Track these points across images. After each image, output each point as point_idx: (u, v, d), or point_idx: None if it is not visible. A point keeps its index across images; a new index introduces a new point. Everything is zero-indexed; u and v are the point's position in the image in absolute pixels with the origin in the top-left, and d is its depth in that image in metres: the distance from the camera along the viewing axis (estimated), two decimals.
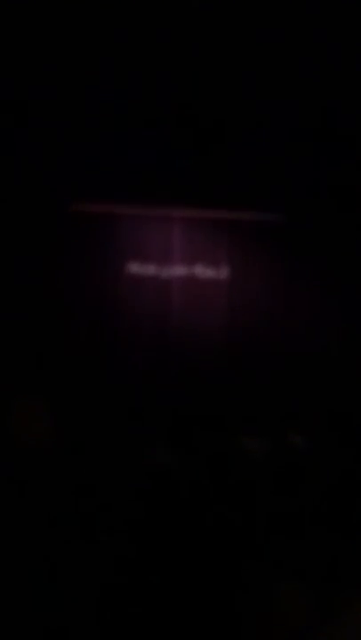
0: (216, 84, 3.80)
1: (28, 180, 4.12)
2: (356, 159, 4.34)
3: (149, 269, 4.33)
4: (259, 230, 4.41)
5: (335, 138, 4.28)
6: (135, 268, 4.32)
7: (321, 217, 4.39)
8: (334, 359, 4.34)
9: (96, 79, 3.75)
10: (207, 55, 3.47)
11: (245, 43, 3.32)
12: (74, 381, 4.08)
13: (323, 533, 1.75)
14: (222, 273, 4.40)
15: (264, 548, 1.71)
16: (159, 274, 4.34)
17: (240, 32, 3.22)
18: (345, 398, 4.19)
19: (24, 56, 3.47)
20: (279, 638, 1.24)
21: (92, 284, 4.27)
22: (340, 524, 1.81)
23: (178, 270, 4.36)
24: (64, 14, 3.05)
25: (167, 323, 4.32)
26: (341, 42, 3.27)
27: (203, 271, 4.38)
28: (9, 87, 3.80)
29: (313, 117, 4.16)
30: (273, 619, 1.29)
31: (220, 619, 1.34)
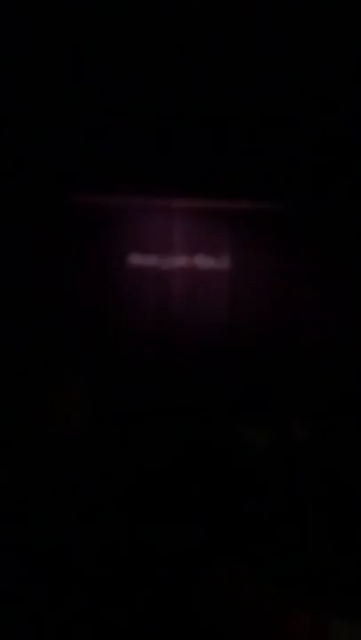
0: (215, 73, 3.76)
1: (26, 171, 4.10)
2: (358, 147, 4.30)
3: (150, 260, 4.32)
4: (260, 219, 4.39)
5: (337, 126, 4.24)
6: (136, 259, 4.31)
7: (323, 205, 4.37)
8: (337, 349, 4.34)
9: (96, 69, 3.72)
10: (207, 44, 3.43)
11: (245, 31, 3.27)
12: (73, 373, 4.09)
13: (323, 522, 1.76)
14: (223, 263, 4.38)
15: (266, 535, 1.71)
16: (160, 264, 4.33)
17: (238, 21, 3.17)
18: (348, 389, 4.19)
19: (21, 46, 3.43)
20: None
21: (92, 276, 4.26)
22: (340, 514, 1.81)
23: (179, 261, 4.35)
24: (65, 8, 3.02)
25: (168, 313, 4.32)
26: (343, 31, 3.23)
27: (204, 261, 4.37)
28: (5, 76, 3.77)
29: (314, 105, 4.12)
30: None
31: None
